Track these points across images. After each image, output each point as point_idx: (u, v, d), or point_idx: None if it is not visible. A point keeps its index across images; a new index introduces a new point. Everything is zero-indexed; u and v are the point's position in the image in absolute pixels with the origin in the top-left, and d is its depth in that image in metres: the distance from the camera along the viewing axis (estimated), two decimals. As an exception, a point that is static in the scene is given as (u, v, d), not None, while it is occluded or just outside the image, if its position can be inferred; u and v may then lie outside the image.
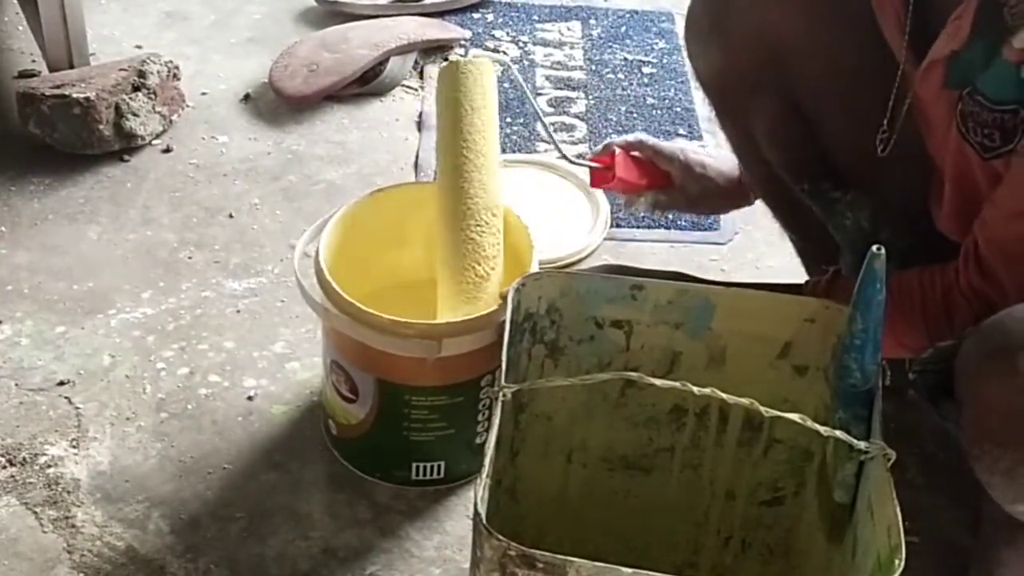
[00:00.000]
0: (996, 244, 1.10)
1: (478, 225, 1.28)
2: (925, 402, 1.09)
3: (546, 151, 1.91)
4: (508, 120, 1.98)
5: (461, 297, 1.26)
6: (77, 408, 1.43)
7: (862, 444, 0.99)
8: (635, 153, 1.49)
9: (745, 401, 0.97)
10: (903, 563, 0.89)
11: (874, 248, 0.99)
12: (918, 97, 1.16)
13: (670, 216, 1.74)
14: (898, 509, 0.93)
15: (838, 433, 0.98)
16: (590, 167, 1.50)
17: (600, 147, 1.49)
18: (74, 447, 1.39)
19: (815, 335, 1.12)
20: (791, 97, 1.30)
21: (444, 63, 1.43)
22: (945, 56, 1.10)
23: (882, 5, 1.19)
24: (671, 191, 1.50)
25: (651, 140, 1.49)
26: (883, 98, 1.24)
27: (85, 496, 1.33)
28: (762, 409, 0.96)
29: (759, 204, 1.49)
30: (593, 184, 1.52)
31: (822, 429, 0.97)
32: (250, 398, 1.46)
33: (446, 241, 1.30)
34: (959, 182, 1.15)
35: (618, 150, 1.47)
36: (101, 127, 1.78)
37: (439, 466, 1.35)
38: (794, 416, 0.96)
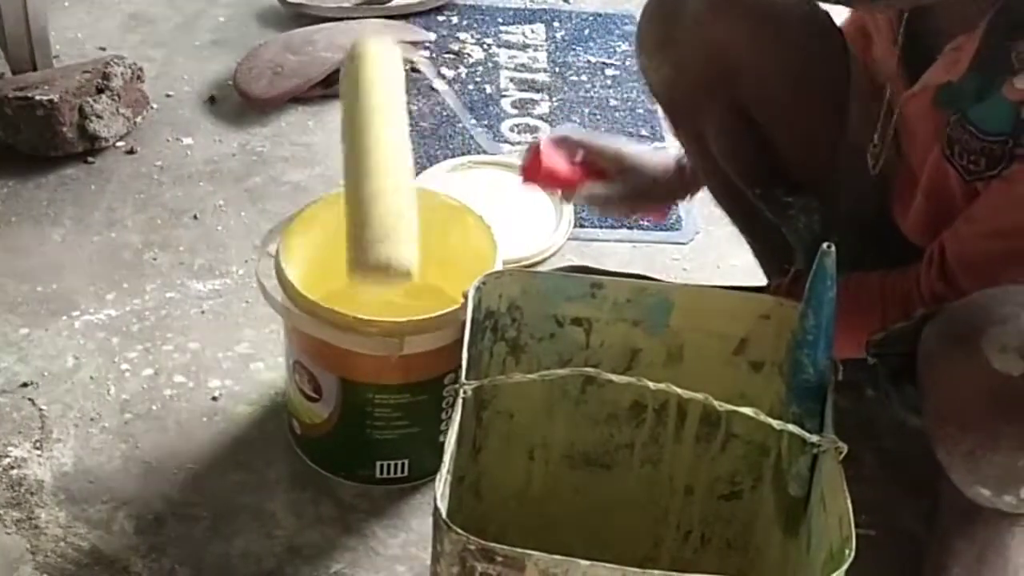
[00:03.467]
0: (965, 258, 1.12)
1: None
2: (886, 388, 1.10)
3: (509, 152, 1.92)
4: (473, 122, 1.99)
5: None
6: (41, 410, 1.43)
7: (814, 437, 1.00)
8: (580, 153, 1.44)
9: (700, 396, 0.98)
10: (854, 554, 0.90)
11: (824, 245, 1.00)
12: (904, 112, 1.19)
13: (627, 221, 1.76)
14: (849, 501, 0.94)
15: (791, 427, 1.00)
16: (518, 164, 1.43)
17: (528, 148, 1.43)
18: (38, 448, 1.39)
19: (770, 331, 1.13)
20: (741, 107, 1.32)
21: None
22: (939, 83, 1.13)
23: (874, 18, 1.22)
24: (607, 183, 1.44)
25: (579, 135, 1.46)
26: (833, 106, 1.27)
27: (49, 497, 1.33)
28: (716, 404, 0.98)
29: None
30: (524, 179, 1.43)
31: (775, 423, 0.99)
32: (215, 398, 1.47)
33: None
34: (933, 194, 1.17)
35: (542, 143, 1.41)
36: (64, 129, 1.78)
37: (403, 464, 1.36)
38: (747, 410, 0.98)
